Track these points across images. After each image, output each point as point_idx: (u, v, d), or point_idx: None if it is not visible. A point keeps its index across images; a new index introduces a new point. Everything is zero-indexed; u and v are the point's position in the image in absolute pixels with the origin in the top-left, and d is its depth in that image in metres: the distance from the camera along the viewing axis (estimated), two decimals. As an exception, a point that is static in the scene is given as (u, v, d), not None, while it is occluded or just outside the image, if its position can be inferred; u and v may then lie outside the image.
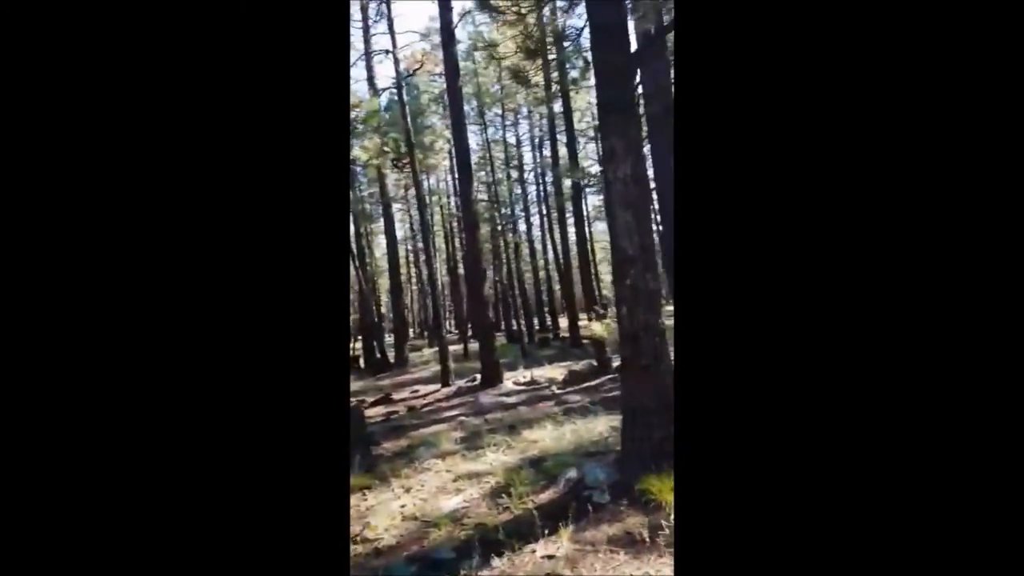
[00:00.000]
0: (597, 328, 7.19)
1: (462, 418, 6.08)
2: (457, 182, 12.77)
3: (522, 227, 17.87)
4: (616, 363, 7.71)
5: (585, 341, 11.33)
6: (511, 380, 7.86)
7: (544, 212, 17.53)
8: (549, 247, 17.82)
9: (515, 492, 3.24)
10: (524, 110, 16.47)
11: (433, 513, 3.23)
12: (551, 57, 9.90)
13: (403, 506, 3.44)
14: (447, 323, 20.39)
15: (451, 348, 9.72)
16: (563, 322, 16.67)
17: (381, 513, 3.32)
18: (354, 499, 3.64)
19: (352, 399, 6.65)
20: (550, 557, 2.52)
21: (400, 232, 20.89)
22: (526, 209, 18.00)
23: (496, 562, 2.51)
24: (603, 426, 4.72)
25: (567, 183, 12.40)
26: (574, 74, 7.39)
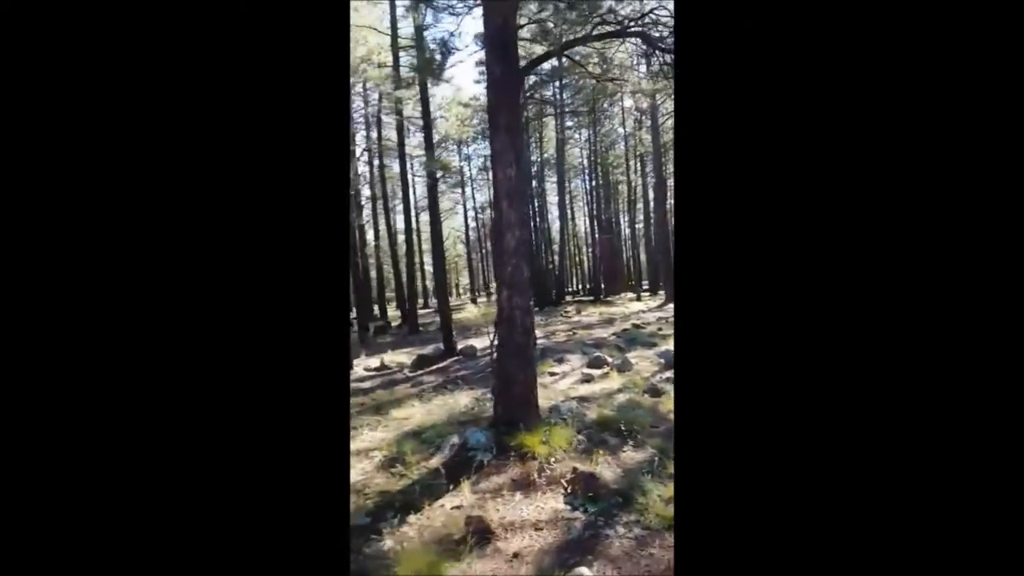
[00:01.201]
0: (473, 310, 7.60)
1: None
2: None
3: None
4: (460, 346, 8.26)
5: (420, 328, 11.65)
6: (361, 367, 7.72)
7: (378, 196, 16.87)
8: (383, 234, 17.25)
9: (409, 460, 3.47)
10: (358, 86, 15.61)
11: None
12: (407, 44, 9.84)
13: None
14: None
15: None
16: (390, 311, 16.55)
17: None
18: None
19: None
20: (458, 507, 2.88)
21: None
22: (356, 192, 17.10)
23: (412, 517, 2.76)
24: (466, 399, 5.19)
25: (396, 169, 12.09)
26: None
